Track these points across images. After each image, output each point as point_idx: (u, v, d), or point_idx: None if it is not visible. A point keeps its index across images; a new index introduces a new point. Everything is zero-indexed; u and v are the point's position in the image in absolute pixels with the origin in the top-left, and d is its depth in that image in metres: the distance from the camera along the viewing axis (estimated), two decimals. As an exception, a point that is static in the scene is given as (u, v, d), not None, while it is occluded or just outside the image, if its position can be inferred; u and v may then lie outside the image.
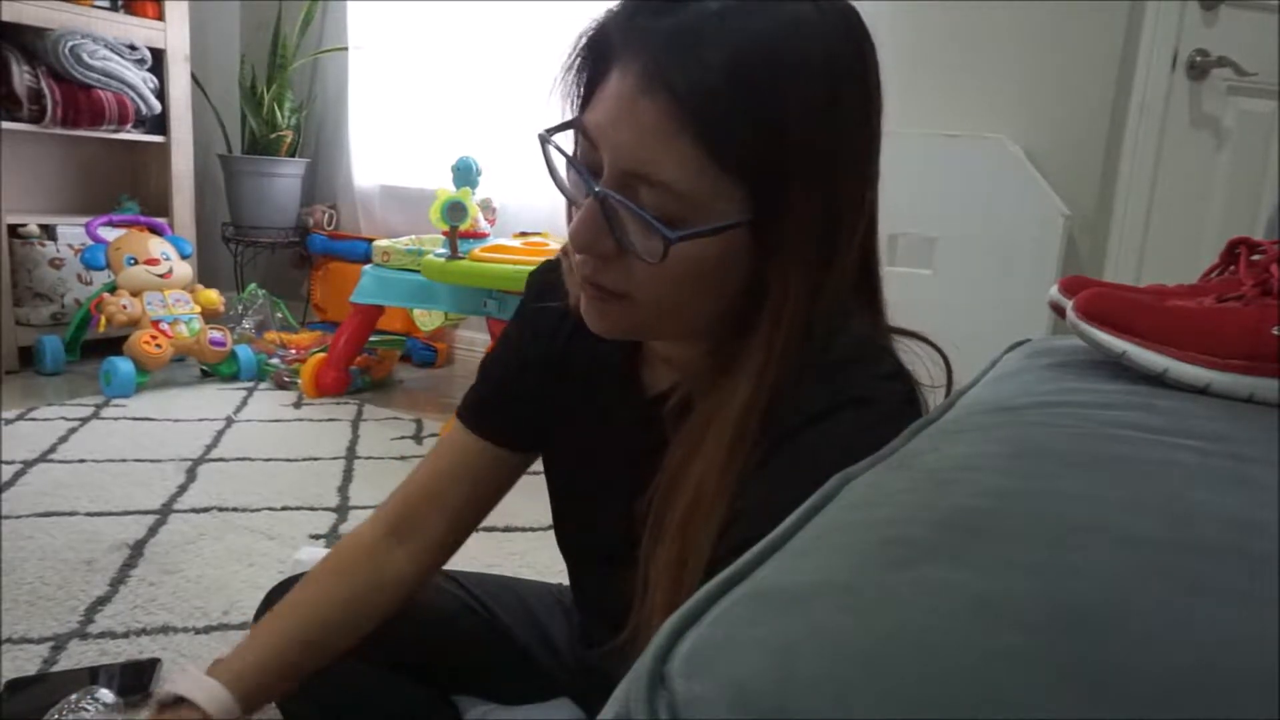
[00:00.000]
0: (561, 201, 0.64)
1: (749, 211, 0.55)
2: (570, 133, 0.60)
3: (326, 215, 3.38)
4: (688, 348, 0.67)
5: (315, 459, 2.06)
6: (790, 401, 0.57)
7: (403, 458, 2.12)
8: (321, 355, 2.64)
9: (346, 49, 3.30)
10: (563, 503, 0.83)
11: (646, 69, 0.53)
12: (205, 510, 1.72)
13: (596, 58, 0.59)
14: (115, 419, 2.26)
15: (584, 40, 0.59)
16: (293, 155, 3.33)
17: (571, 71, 0.61)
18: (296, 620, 0.77)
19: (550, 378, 0.77)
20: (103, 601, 1.35)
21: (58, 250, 2.77)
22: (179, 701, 0.70)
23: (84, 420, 2.22)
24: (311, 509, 1.76)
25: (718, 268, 0.57)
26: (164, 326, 2.56)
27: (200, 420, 2.30)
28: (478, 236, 2.43)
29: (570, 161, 0.59)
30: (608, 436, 0.75)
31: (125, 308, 2.52)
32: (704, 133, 0.52)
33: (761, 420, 0.57)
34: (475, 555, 1.27)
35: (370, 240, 2.89)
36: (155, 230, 2.77)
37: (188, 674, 0.72)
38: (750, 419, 0.57)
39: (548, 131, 0.59)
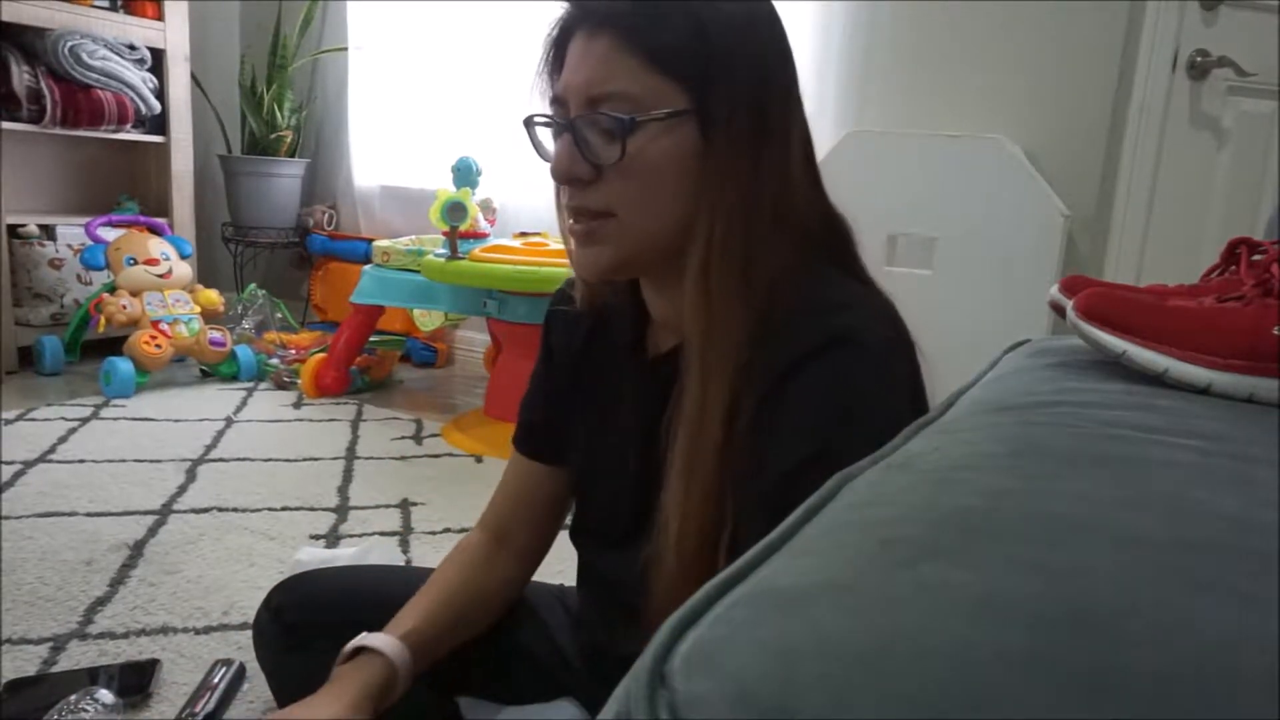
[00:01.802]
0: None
1: (690, 105, 0.65)
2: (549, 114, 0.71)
3: (326, 215, 3.38)
4: (678, 295, 0.71)
5: (315, 459, 2.06)
6: (786, 336, 0.63)
7: (403, 458, 2.12)
8: (321, 355, 2.64)
9: (346, 49, 3.30)
10: (583, 483, 0.87)
11: (591, 21, 0.66)
12: (205, 510, 1.72)
13: (559, 47, 0.71)
14: (115, 419, 2.26)
15: (549, 38, 0.72)
16: (292, 155, 3.33)
17: (544, 68, 0.73)
18: (439, 599, 0.85)
19: (575, 379, 0.85)
20: (102, 602, 1.34)
21: (57, 250, 2.77)
22: (360, 651, 0.78)
23: (84, 420, 2.22)
24: (311, 509, 1.76)
25: (670, 160, 0.66)
26: (164, 327, 2.56)
27: (200, 420, 2.30)
28: (478, 237, 2.43)
29: (549, 116, 0.70)
30: (621, 408, 0.80)
31: (125, 308, 2.52)
32: (643, 47, 0.64)
33: (740, 328, 0.65)
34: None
35: (370, 240, 2.89)
36: (155, 230, 2.77)
37: (368, 635, 0.79)
38: (704, 304, 0.65)
39: (530, 116, 0.71)
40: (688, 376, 0.67)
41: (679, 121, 0.65)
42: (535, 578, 1.02)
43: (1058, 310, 0.58)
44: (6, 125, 2.57)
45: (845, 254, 0.73)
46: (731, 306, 0.65)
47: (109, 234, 2.66)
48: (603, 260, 0.70)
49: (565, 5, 0.70)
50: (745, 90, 0.66)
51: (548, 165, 0.70)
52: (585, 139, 0.67)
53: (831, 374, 0.62)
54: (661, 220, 0.68)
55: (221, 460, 2.01)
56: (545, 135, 0.72)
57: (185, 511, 1.71)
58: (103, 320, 2.50)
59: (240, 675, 1.15)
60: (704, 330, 0.66)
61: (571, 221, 0.70)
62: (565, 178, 0.68)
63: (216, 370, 2.72)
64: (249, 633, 1.00)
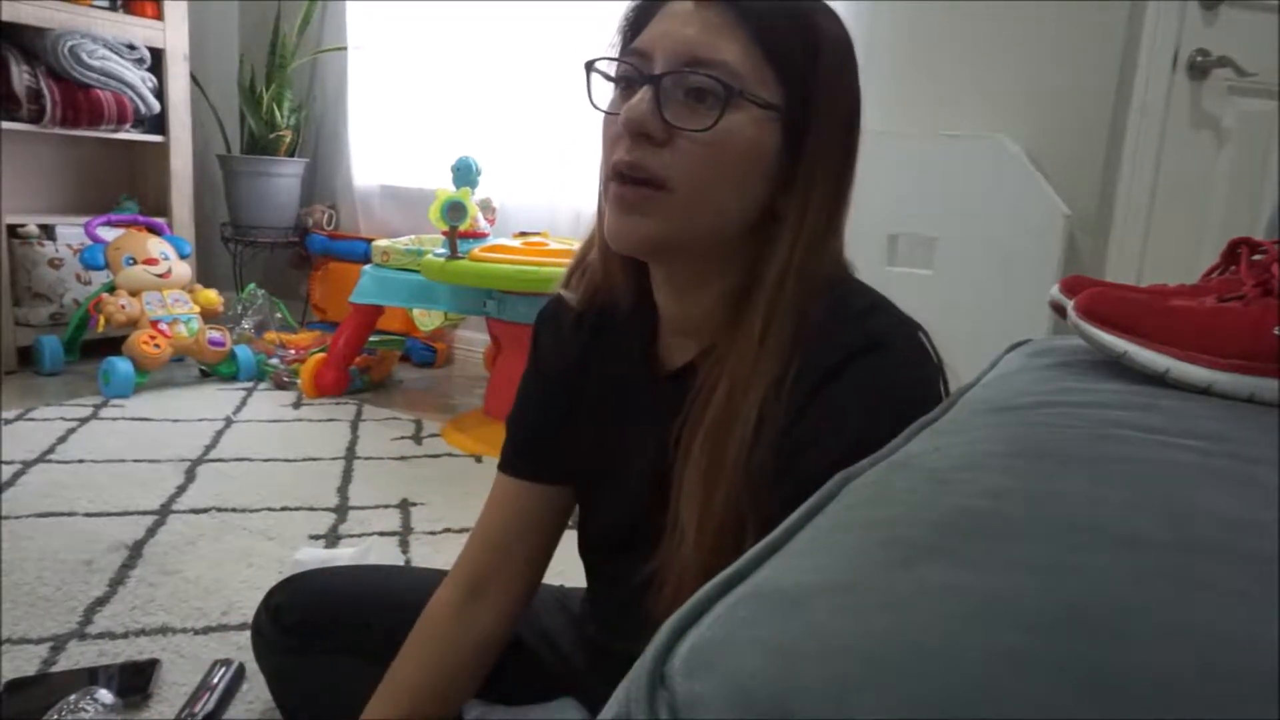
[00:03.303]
0: (561, 202, 0.68)
1: (785, 104, 0.63)
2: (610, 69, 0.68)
3: (326, 215, 3.38)
4: (704, 299, 0.70)
5: (315, 459, 2.06)
6: (821, 345, 0.62)
7: (402, 458, 2.12)
8: (321, 355, 2.64)
9: (345, 49, 3.30)
10: (589, 496, 0.83)
11: None
12: (204, 511, 1.71)
13: (640, 12, 0.67)
14: (114, 419, 2.26)
15: (629, 9, 0.68)
16: (292, 155, 3.33)
17: (623, 26, 0.69)
18: (397, 702, 0.79)
19: (574, 390, 0.80)
20: (102, 602, 1.34)
21: (57, 250, 2.77)
22: None
23: (83, 420, 2.22)
24: (311, 509, 1.76)
25: (750, 152, 0.64)
26: (163, 326, 2.56)
27: (199, 420, 2.30)
28: (477, 236, 2.43)
29: (623, 59, 0.65)
30: (629, 420, 0.77)
31: (124, 308, 2.51)
32: (755, 30, 0.62)
33: (789, 341, 0.63)
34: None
35: (370, 240, 2.89)
36: (154, 230, 2.77)
37: None
38: (774, 323, 0.63)
39: (594, 60, 0.67)
40: (714, 384, 0.65)
41: (770, 116, 0.63)
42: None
43: (1058, 310, 0.57)
44: (6, 125, 2.57)
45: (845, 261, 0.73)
46: (786, 323, 0.64)
47: (108, 234, 2.66)
48: (643, 232, 0.64)
49: None
50: (844, 108, 0.67)
51: (605, 114, 0.66)
52: (672, 96, 0.62)
53: (868, 378, 0.61)
54: (715, 209, 0.65)
55: (221, 460, 2.01)
56: (601, 86, 0.67)
57: (184, 512, 1.70)
58: (102, 320, 2.50)
59: (240, 675, 1.15)
60: (758, 341, 0.63)
61: (618, 185, 0.64)
62: (637, 128, 0.62)
63: (216, 370, 2.72)
64: (248, 633, 1.00)
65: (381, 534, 1.67)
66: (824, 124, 0.65)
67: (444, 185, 2.42)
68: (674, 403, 0.69)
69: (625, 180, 0.64)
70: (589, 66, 0.67)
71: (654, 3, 0.66)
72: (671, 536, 0.66)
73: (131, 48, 2.80)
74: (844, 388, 0.61)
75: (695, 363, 0.70)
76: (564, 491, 0.84)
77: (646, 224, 0.64)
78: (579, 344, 0.79)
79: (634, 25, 0.67)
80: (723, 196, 0.64)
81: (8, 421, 2.17)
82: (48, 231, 2.81)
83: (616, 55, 0.67)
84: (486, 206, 2.60)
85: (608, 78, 0.67)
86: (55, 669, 1.17)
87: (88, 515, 1.66)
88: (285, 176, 3.30)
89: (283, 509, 1.75)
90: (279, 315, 3.09)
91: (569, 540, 0.88)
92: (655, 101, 0.62)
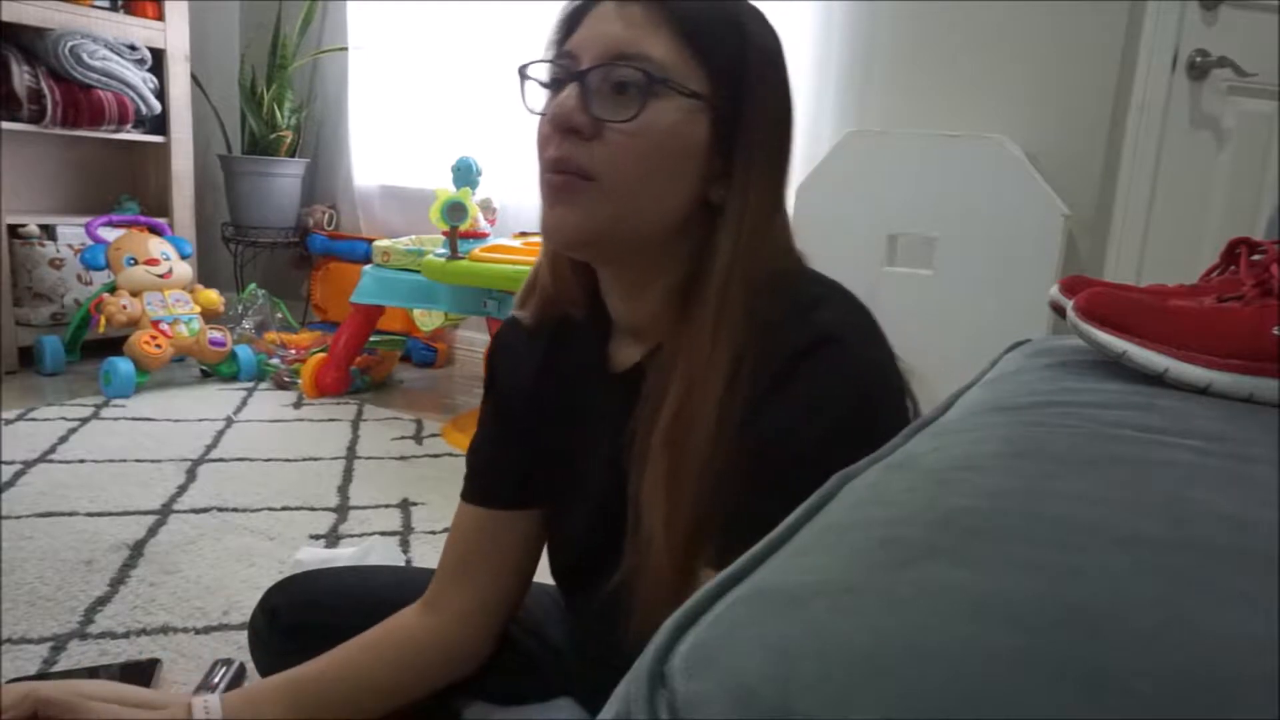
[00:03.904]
0: None
1: (712, 96, 0.64)
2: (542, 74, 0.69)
3: (326, 215, 3.38)
4: (650, 298, 0.70)
5: (315, 459, 2.06)
6: (774, 338, 0.62)
7: (403, 458, 2.12)
8: (321, 355, 2.64)
9: (346, 49, 3.30)
10: (553, 513, 0.83)
11: None
12: (205, 510, 1.72)
13: (571, 15, 0.69)
14: (115, 419, 2.26)
15: (562, 13, 0.70)
16: (293, 155, 3.33)
17: (554, 35, 0.70)
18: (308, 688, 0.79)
19: (533, 407, 0.80)
20: (102, 602, 1.34)
21: (58, 250, 2.77)
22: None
23: (84, 420, 2.22)
24: (311, 509, 1.76)
25: (676, 142, 0.64)
26: (164, 327, 2.56)
27: (200, 420, 2.30)
28: (478, 236, 2.43)
29: (555, 63, 0.67)
30: (584, 423, 0.77)
31: (125, 308, 2.52)
32: (680, 24, 0.63)
33: (741, 336, 0.63)
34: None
35: (370, 240, 2.89)
36: (155, 230, 2.77)
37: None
38: (724, 318, 0.64)
39: (525, 65, 0.69)
40: (665, 384, 0.65)
41: (697, 106, 0.64)
42: (535, 578, 1.02)
43: (1058, 310, 0.58)
44: (7, 125, 2.57)
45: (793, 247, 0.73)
46: (736, 317, 0.64)
47: (109, 234, 2.66)
48: (574, 222, 0.65)
49: None
50: (775, 102, 0.67)
51: (537, 117, 0.67)
52: (596, 90, 0.64)
53: (825, 370, 0.61)
54: (645, 200, 0.65)
55: (221, 460, 2.01)
56: (536, 91, 0.69)
57: (185, 511, 1.71)
58: (103, 320, 2.50)
59: (240, 675, 1.15)
60: (710, 337, 0.64)
61: (550, 175, 0.66)
62: (564, 124, 0.63)
63: (216, 370, 2.72)
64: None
65: (382, 534, 1.67)
66: (757, 117, 0.66)
67: (444, 185, 2.42)
68: (624, 401, 0.69)
69: (555, 169, 0.65)
70: (522, 72, 0.68)
71: (584, 5, 0.67)
72: (634, 539, 0.66)
73: (132, 48, 2.80)
74: (802, 382, 0.61)
75: (643, 363, 0.71)
76: (527, 516, 0.83)
77: (576, 214, 0.65)
78: (535, 360, 0.80)
79: (565, 29, 0.69)
80: (652, 187, 0.65)
81: (9, 421, 2.17)
82: (49, 232, 2.81)
83: (546, 59, 0.69)
84: (487, 207, 2.60)
85: (541, 83, 0.69)
86: (56, 669, 1.17)
87: (88, 515, 1.66)
88: (286, 177, 3.30)
89: (283, 509, 1.75)
90: (280, 315, 3.09)
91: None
92: (581, 97, 0.63)
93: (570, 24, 0.68)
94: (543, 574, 0.95)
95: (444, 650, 0.83)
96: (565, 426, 0.79)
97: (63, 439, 2.07)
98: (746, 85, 0.66)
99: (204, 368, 2.74)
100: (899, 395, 0.64)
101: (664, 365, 0.67)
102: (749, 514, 0.59)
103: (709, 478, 0.62)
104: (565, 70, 0.65)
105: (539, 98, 0.69)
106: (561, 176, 0.64)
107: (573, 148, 0.64)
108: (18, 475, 1.83)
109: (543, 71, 0.69)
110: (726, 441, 0.62)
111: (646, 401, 0.67)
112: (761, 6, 0.69)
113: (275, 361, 2.77)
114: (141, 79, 2.82)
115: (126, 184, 3.15)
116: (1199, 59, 2.02)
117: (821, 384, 0.61)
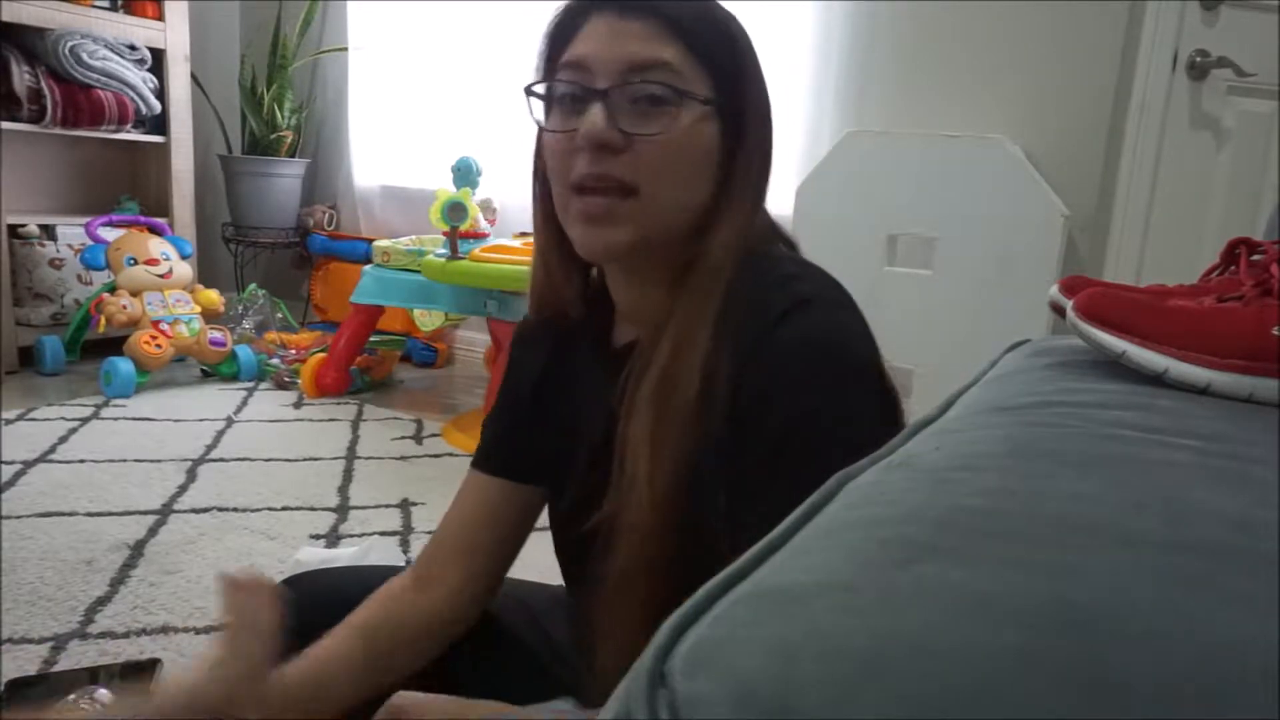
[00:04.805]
0: None
1: (717, 98, 0.68)
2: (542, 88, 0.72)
3: (326, 215, 3.38)
4: (657, 288, 0.72)
5: (315, 459, 2.06)
6: (755, 306, 0.65)
7: (403, 458, 2.12)
8: (321, 355, 2.64)
9: (346, 49, 3.30)
10: (554, 489, 0.85)
11: (625, 4, 0.66)
12: (205, 510, 1.72)
13: (562, 28, 0.70)
14: (115, 419, 2.26)
15: (557, 20, 0.71)
16: (293, 155, 3.33)
17: (544, 49, 0.71)
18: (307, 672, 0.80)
19: (542, 393, 0.83)
20: (103, 601, 1.35)
21: (58, 250, 2.77)
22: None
23: (84, 420, 2.23)
24: (311, 509, 1.76)
25: (699, 147, 0.68)
26: (164, 327, 2.56)
27: (200, 420, 2.30)
28: (478, 236, 2.43)
29: (561, 79, 0.69)
30: (582, 400, 0.79)
31: (125, 308, 2.52)
32: (683, 33, 0.67)
33: (726, 304, 0.66)
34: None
35: (370, 240, 2.89)
36: (155, 230, 2.77)
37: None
38: (713, 290, 0.67)
39: (533, 84, 0.71)
40: (654, 347, 0.68)
41: (709, 112, 0.68)
42: (535, 579, 1.02)
43: (1058, 310, 0.57)
44: (7, 125, 2.57)
45: (775, 230, 0.76)
46: (722, 290, 0.67)
47: (109, 234, 2.66)
48: (618, 240, 0.67)
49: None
50: (764, 98, 0.72)
51: (554, 133, 0.68)
52: (621, 106, 0.66)
53: (801, 334, 0.64)
54: (678, 206, 0.69)
55: (222, 460, 2.02)
56: (541, 105, 0.71)
57: (185, 511, 1.71)
58: (103, 320, 2.51)
59: (240, 675, 1.15)
60: (697, 306, 0.67)
61: (583, 199, 0.67)
62: (599, 142, 0.65)
63: (217, 370, 2.72)
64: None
65: (382, 534, 1.67)
66: (755, 114, 0.71)
67: (444, 185, 2.42)
68: (619, 373, 0.72)
69: (591, 192, 0.67)
70: (529, 91, 0.70)
71: (576, 19, 0.69)
72: (617, 488, 0.68)
73: (132, 48, 2.80)
74: (784, 344, 0.64)
75: (639, 339, 0.74)
76: (530, 491, 0.85)
77: (619, 232, 0.67)
78: (545, 350, 0.83)
79: (556, 42, 0.70)
80: (682, 192, 0.69)
81: (9, 422, 2.17)
82: (49, 232, 2.81)
83: (545, 73, 0.70)
84: (487, 207, 2.60)
85: (542, 98, 0.71)
86: (56, 668, 1.17)
87: (89, 515, 1.66)
88: (286, 177, 3.30)
89: (283, 509, 1.76)
90: (280, 315, 3.10)
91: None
92: (608, 115, 0.65)
93: (562, 36, 0.70)
94: (543, 574, 0.95)
95: (435, 626, 0.84)
96: (569, 406, 0.82)
97: (63, 439, 2.07)
98: (742, 85, 0.70)
99: (204, 368, 2.74)
100: (871, 349, 0.67)
101: (654, 333, 0.70)
102: (743, 481, 0.63)
103: (696, 438, 0.65)
104: (581, 88, 0.67)
105: (547, 112, 0.71)
106: (601, 199, 0.66)
107: (608, 163, 0.66)
108: (18, 475, 1.83)
109: (547, 86, 0.71)
110: (715, 401, 0.65)
111: (638, 359, 0.70)
112: (763, 7, 0.71)
113: (275, 361, 2.77)
114: (141, 79, 2.82)
115: (126, 184, 3.15)
116: (1199, 59, 2.03)
117: (802, 345, 0.64)
